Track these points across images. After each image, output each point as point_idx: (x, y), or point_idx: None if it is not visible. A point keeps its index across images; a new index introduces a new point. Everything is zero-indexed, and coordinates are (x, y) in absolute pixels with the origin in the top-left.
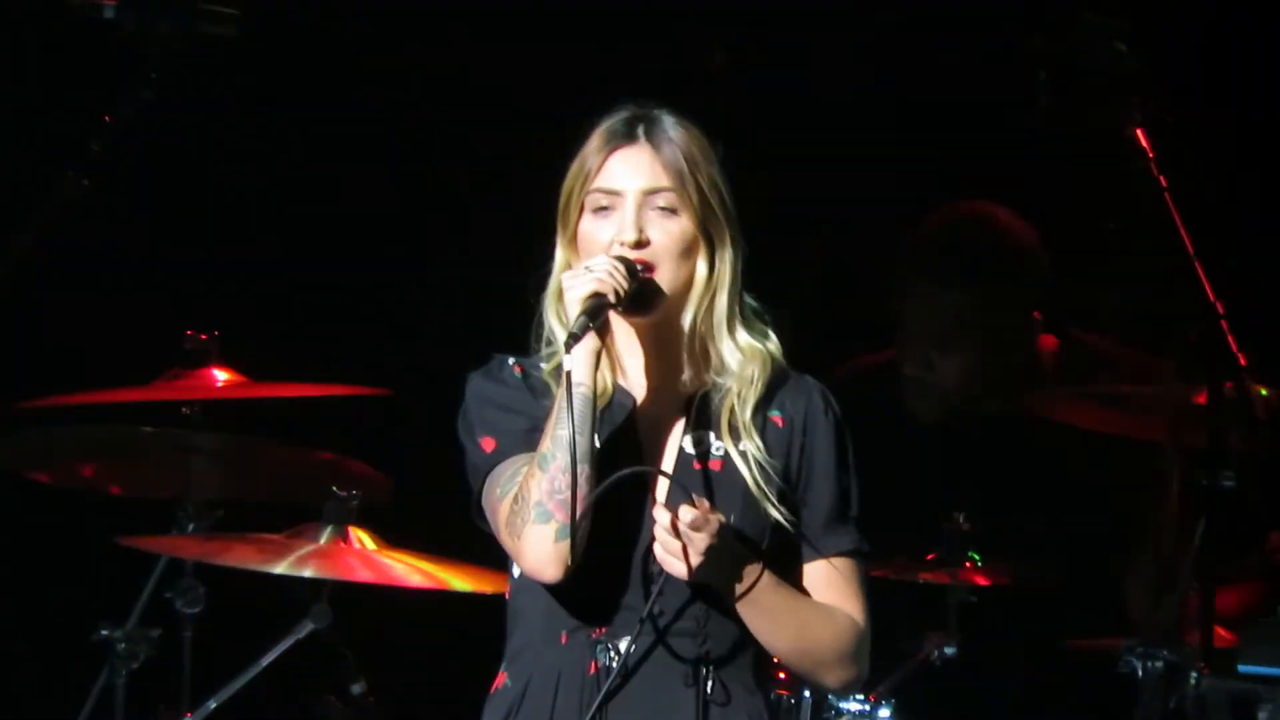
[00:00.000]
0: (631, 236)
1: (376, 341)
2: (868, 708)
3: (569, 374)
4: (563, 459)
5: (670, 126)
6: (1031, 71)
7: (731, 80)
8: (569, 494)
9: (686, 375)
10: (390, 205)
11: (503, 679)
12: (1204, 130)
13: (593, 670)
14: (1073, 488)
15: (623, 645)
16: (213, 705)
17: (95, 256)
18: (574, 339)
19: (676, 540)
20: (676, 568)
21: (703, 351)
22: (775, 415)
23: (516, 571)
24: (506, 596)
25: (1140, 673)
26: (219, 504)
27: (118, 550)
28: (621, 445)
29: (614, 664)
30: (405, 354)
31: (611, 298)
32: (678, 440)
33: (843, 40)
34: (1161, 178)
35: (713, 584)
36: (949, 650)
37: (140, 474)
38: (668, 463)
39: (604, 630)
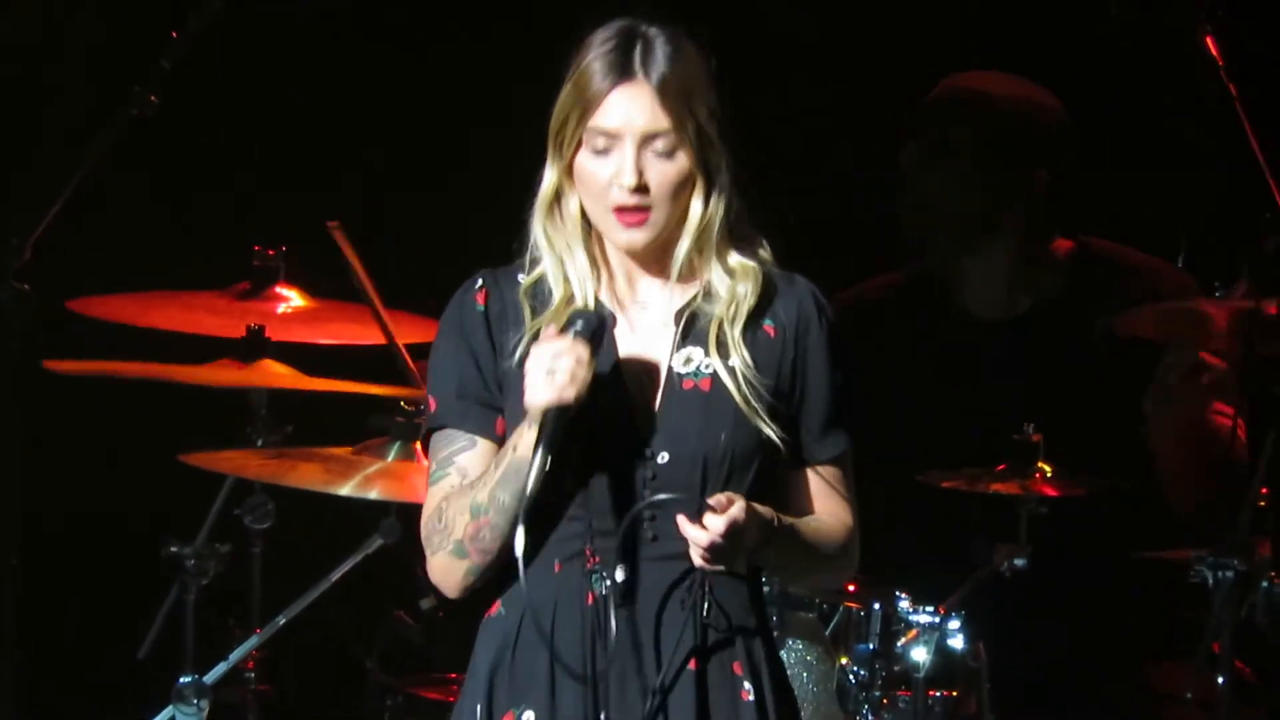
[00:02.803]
0: (631, 181)
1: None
2: (937, 619)
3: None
4: (493, 518)
5: (667, 54)
6: None
7: None
8: (490, 545)
9: (675, 291)
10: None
11: (497, 607)
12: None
13: (590, 601)
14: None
15: (619, 574)
16: (282, 621)
17: (162, 168)
18: (530, 498)
19: (717, 552)
20: (722, 566)
21: (694, 269)
22: (767, 325)
23: None
24: None
25: (1211, 583)
26: (287, 420)
27: (185, 466)
28: (604, 371)
29: (608, 593)
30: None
31: (573, 404)
32: (665, 359)
33: None
34: (1232, 85)
35: (745, 551)
36: (1019, 562)
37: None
38: (654, 386)
39: (597, 560)
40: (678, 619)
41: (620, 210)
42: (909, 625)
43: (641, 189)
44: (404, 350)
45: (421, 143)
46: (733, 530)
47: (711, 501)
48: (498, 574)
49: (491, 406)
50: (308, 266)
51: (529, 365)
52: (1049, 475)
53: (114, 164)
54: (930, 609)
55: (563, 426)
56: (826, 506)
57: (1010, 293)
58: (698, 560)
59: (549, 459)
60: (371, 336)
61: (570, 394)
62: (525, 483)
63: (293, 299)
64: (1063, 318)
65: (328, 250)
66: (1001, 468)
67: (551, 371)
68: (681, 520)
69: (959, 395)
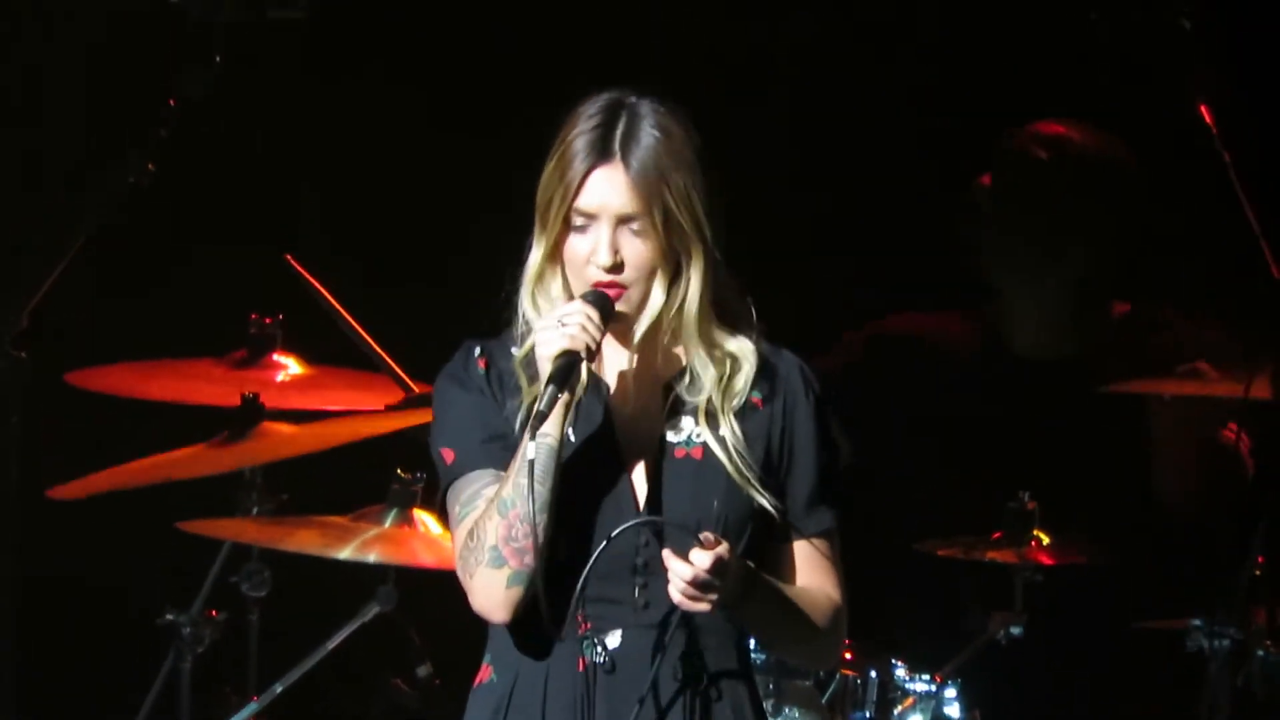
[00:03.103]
0: (606, 261)
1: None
2: (934, 688)
3: (531, 444)
4: (522, 508)
5: (646, 137)
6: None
7: None
8: (525, 542)
9: (662, 363)
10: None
11: (488, 672)
12: (1268, 105)
13: (580, 667)
14: (1141, 458)
15: (610, 641)
16: (279, 689)
17: (157, 237)
18: (541, 418)
19: (700, 588)
20: (703, 609)
21: (679, 341)
22: (755, 396)
23: None
24: None
25: (1207, 651)
26: (283, 488)
27: (182, 534)
28: (598, 438)
29: (601, 660)
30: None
31: (584, 354)
32: (656, 430)
33: None
34: (1226, 154)
35: (725, 600)
36: (1015, 630)
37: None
38: (648, 454)
39: (589, 626)
40: (668, 687)
41: (598, 286)
42: (905, 693)
43: (616, 268)
44: (376, 345)
45: (423, 219)
46: (718, 567)
47: (700, 536)
48: (486, 639)
49: (511, 449)
50: (305, 333)
51: (539, 324)
52: (1045, 543)
53: (109, 232)
54: (927, 677)
55: (574, 376)
56: (813, 580)
57: (1060, 336)
58: (676, 597)
59: (561, 395)
60: (370, 401)
61: (580, 343)
62: (539, 412)
63: (290, 366)
64: (1103, 369)
65: (325, 317)
66: (998, 535)
67: (563, 324)
68: (667, 554)
69: (987, 433)
